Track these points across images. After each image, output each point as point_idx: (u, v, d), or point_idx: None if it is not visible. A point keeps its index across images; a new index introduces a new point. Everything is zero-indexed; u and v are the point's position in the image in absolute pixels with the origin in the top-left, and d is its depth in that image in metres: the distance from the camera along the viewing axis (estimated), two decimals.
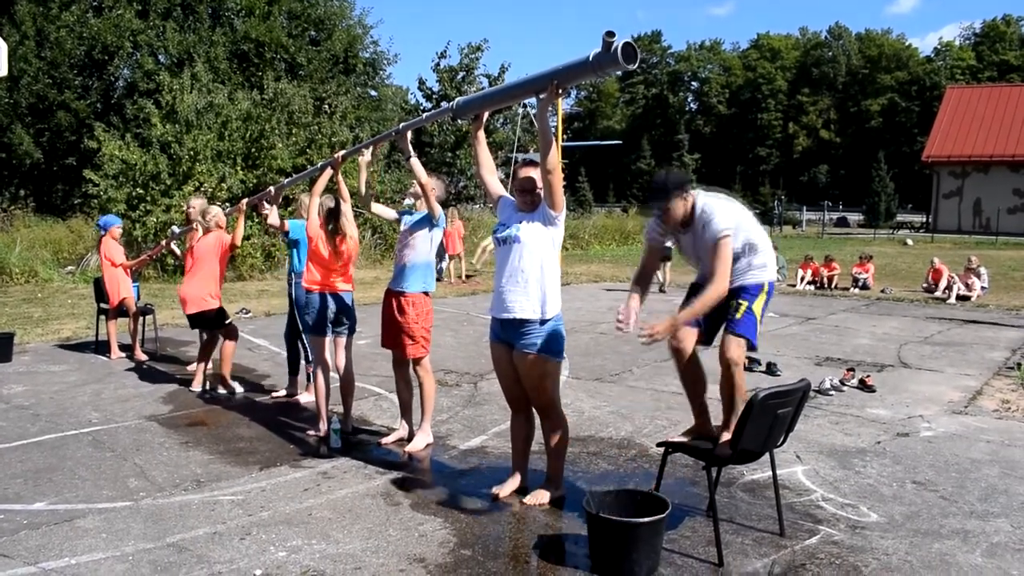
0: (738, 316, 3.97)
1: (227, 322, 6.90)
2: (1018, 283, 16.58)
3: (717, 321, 4.05)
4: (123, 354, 8.26)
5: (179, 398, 6.63)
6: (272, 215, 6.68)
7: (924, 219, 42.41)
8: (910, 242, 30.94)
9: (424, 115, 5.35)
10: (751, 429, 3.47)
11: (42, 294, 13.23)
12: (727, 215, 3.93)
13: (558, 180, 4.03)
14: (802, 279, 16.14)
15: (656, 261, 4.36)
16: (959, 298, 14.01)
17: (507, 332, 4.22)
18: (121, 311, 8.35)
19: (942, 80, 62.80)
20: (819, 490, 4.59)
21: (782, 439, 3.83)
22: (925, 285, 15.26)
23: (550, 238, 4.17)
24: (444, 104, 28.81)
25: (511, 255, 4.16)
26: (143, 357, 8.16)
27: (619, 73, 4.02)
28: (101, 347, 8.50)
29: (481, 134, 4.47)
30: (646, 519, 3.37)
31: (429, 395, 5.31)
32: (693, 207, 3.97)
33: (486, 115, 4.53)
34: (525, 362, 4.16)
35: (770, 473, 4.02)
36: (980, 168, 36.12)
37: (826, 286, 15.91)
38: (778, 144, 73.71)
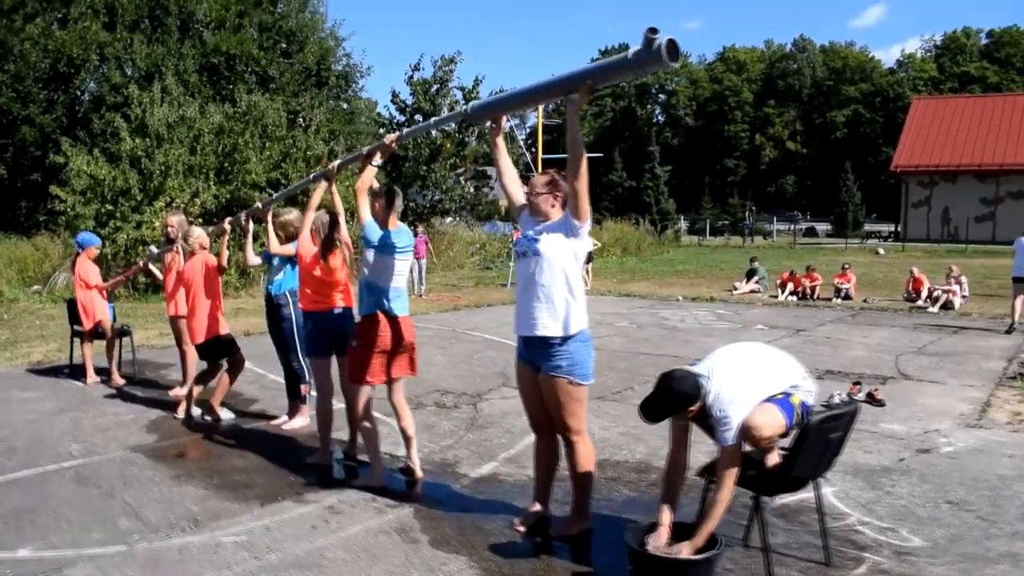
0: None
1: (235, 350, 6.52)
2: (994, 291, 16.71)
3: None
4: (99, 378, 7.84)
5: (164, 426, 6.26)
6: (251, 257, 6.52)
7: (892, 228, 43.02)
8: (882, 251, 31.27)
9: (432, 120, 5.05)
10: (804, 455, 3.26)
11: (8, 315, 12.68)
12: (739, 409, 3.39)
13: (585, 188, 3.79)
14: (783, 289, 16.15)
15: (683, 442, 3.62)
16: (942, 307, 14.05)
17: (532, 351, 3.98)
18: (97, 333, 7.94)
19: (905, 91, 64.05)
20: (854, 513, 4.40)
21: (831, 464, 3.62)
22: (906, 295, 15.32)
23: (572, 250, 3.91)
24: (418, 118, 28.03)
25: (531, 269, 3.92)
26: (121, 381, 7.76)
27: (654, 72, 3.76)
28: (75, 371, 8.07)
29: (500, 141, 4.21)
30: (701, 556, 3.14)
31: (354, 420, 4.89)
32: (704, 403, 3.47)
33: (504, 121, 4.27)
34: (549, 385, 3.93)
35: (799, 497, 3.82)
36: (948, 177, 36.74)
37: (808, 296, 15.91)
38: (745, 155, 74.48)
